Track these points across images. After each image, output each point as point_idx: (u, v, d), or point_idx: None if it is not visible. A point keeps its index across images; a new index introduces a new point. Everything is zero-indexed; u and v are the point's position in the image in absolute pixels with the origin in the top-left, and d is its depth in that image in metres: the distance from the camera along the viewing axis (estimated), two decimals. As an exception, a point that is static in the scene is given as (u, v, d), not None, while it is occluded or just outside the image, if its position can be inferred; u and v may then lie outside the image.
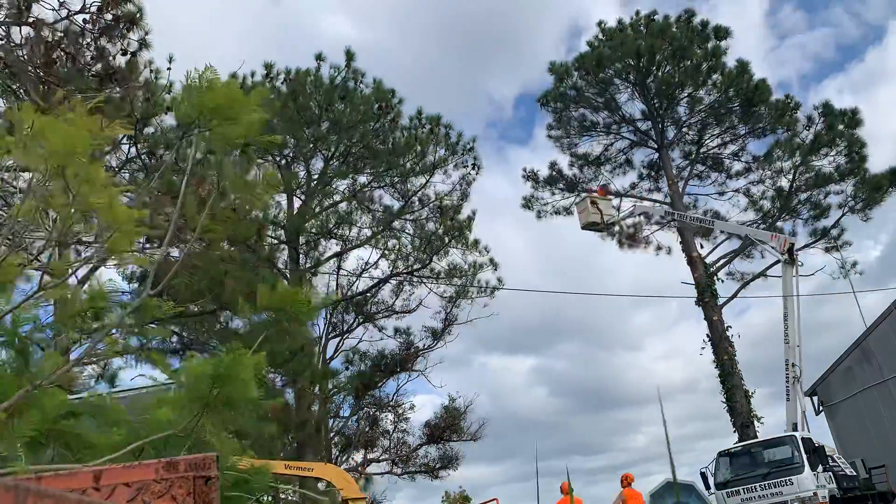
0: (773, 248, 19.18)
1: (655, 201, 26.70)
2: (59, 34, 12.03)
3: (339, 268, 22.16)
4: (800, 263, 18.91)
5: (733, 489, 14.98)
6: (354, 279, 22.34)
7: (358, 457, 22.13)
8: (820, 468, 14.33)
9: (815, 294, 27.34)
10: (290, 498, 14.97)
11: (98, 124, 2.96)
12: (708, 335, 23.79)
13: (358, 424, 22.13)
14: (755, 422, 22.01)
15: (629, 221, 25.45)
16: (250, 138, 3.30)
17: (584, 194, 24.31)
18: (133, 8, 12.44)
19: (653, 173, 27.81)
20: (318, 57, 21.03)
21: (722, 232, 25.59)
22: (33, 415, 2.85)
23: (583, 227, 23.08)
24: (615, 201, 24.22)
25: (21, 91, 11.34)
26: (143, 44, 12.80)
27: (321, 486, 13.94)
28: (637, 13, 26.55)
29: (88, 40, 12.48)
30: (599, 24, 26.97)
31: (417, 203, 21.96)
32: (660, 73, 25.42)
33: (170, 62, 13.71)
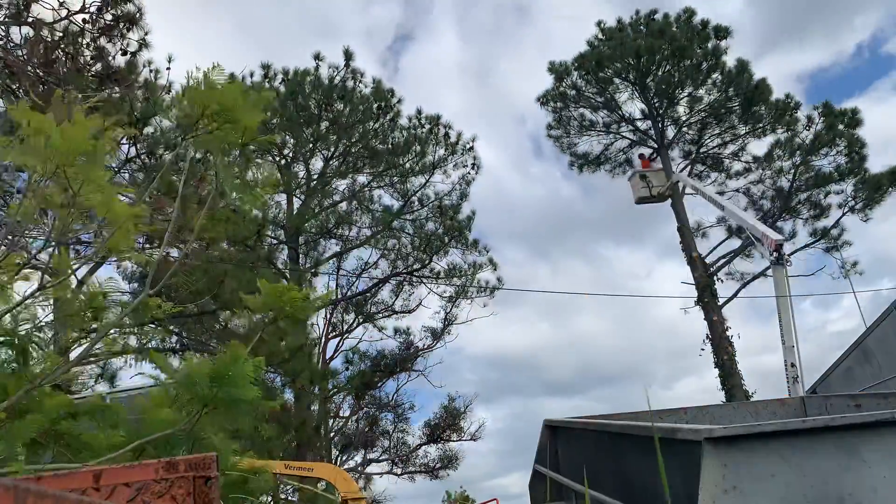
0: (762, 246, 19.06)
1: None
2: (59, 34, 12.02)
3: (338, 268, 22.18)
4: (789, 263, 18.69)
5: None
6: (354, 279, 22.38)
7: (358, 457, 22.16)
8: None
9: (814, 294, 27.37)
10: (289, 498, 14.96)
11: (97, 123, 2.96)
12: (708, 335, 23.80)
13: (358, 424, 22.14)
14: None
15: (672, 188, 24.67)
16: (248, 138, 3.30)
17: (634, 170, 24.13)
18: (133, 8, 12.44)
19: (652, 173, 27.79)
20: (317, 57, 21.07)
21: (724, 227, 25.57)
22: (33, 415, 2.84)
23: (637, 202, 23.03)
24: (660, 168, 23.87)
25: (21, 91, 11.33)
26: (143, 44, 12.80)
27: (321, 486, 13.94)
28: (637, 12, 26.57)
29: (88, 40, 12.47)
30: (599, 23, 26.97)
31: (417, 203, 21.97)
32: (659, 73, 25.41)
33: (169, 62, 13.71)
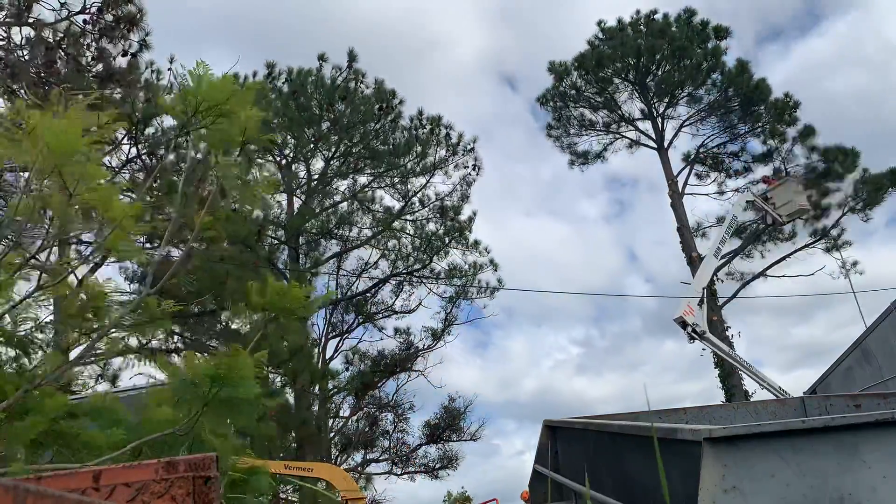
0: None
1: None
2: (60, 35, 12.03)
3: (339, 268, 22.17)
4: (691, 341, 16.24)
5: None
6: (354, 279, 22.37)
7: (358, 457, 22.15)
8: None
9: (815, 294, 27.29)
10: (289, 498, 14.95)
11: (96, 120, 2.96)
12: (708, 335, 23.79)
13: (358, 424, 22.13)
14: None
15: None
16: (248, 137, 3.29)
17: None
18: (133, 9, 12.44)
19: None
20: (321, 57, 21.08)
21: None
22: (33, 415, 2.84)
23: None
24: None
25: (21, 91, 11.34)
26: (144, 44, 12.81)
27: (321, 486, 13.94)
28: (637, 12, 26.58)
29: (89, 41, 12.48)
30: (599, 23, 26.98)
31: (418, 203, 21.97)
32: (659, 73, 25.43)
33: (171, 63, 13.73)
